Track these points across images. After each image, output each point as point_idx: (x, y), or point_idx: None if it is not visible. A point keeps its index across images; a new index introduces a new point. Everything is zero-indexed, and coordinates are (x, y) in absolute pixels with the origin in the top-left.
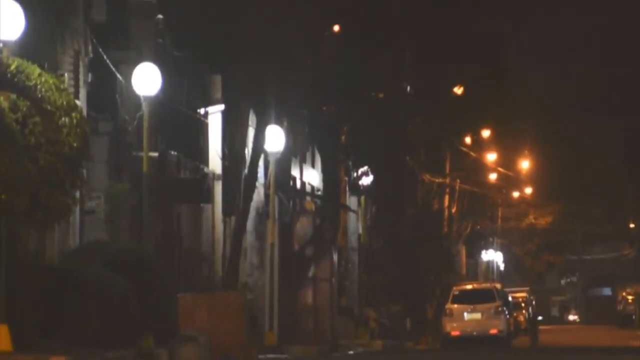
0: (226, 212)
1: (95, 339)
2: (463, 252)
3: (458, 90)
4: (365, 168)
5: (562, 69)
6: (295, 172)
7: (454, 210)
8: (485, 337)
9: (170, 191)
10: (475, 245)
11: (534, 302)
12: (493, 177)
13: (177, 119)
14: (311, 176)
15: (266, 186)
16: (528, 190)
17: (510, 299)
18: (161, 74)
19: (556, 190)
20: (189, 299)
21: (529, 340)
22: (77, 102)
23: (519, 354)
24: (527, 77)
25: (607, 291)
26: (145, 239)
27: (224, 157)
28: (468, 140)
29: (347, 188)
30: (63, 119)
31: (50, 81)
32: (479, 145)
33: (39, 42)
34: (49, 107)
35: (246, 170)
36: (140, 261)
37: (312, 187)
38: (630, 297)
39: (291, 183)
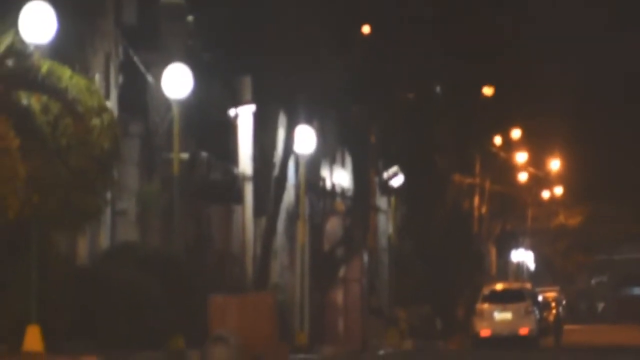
0: (257, 213)
1: (126, 340)
2: (493, 252)
3: (488, 90)
4: (396, 168)
5: (592, 67)
6: (325, 172)
7: (484, 210)
8: (515, 337)
9: (201, 192)
10: (506, 245)
11: (564, 302)
12: (523, 177)
13: (207, 120)
14: (341, 177)
15: (296, 187)
16: (558, 190)
17: (540, 298)
18: (191, 75)
19: (586, 190)
20: (220, 300)
21: (553, 340)
22: (108, 103)
23: (548, 354)
24: (557, 75)
25: (637, 291)
26: (175, 240)
27: (255, 159)
28: (498, 140)
29: (378, 188)
30: (94, 120)
31: (81, 83)
32: (509, 145)
33: (69, 45)
34: (80, 109)
35: (276, 172)
36: (171, 262)
37: (342, 188)
38: None
39: (321, 184)
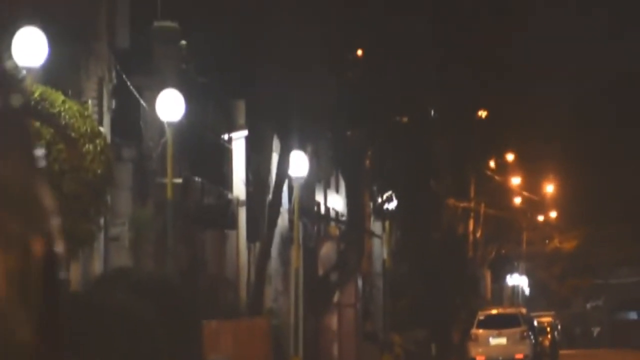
0: (250, 238)
1: None
2: (488, 276)
3: (482, 113)
4: (390, 193)
5: (586, 89)
6: (319, 197)
7: (478, 234)
8: None
9: (195, 217)
10: (501, 269)
11: (559, 327)
12: (518, 200)
13: (200, 145)
14: (335, 201)
15: (290, 211)
16: (553, 214)
17: (535, 323)
18: (185, 99)
19: (581, 214)
20: (214, 326)
21: None
22: (101, 128)
23: None
24: (551, 99)
25: (633, 315)
26: (169, 265)
27: (248, 183)
28: (492, 164)
29: (372, 213)
30: (87, 145)
31: (74, 108)
32: (504, 169)
33: (62, 69)
34: (72, 134)
35: (270, 196)
36: (165, 288)
37: (337, 212)
38: None
39: (315, 208)
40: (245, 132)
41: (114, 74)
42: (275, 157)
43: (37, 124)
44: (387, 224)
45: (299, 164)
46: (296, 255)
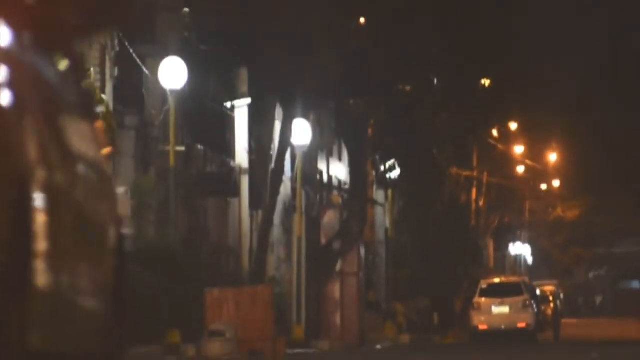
0: (253, 206)
1: None
2: (491, 245)
3: (485, 83)
4: (393, 161)
5: (589, 60)
6: (322, 165)
7: (481, 203)
8: (513, 330)
9: (197, 185)
10: (503, 238)
11: (562, 296)
12: (521, 169)
13: (203, 113)
14: (338, 170)
15: (293, 180)
16: (556, 183)
17: (538, 292)
18: (187, 67)
19: (584, 183)
20: (216, 294)
21: (552, 334)
22: (104, 96)
23: (548, 348)
24: (554, 69)
25: (635, 284)
26: (172, 233)
27: (251, 151)
28: (495, 132)
29: (375, 181)
30: None
31: None
32: (507, 138)
33: None
34: None
35: (273, 164)
36: (167, 256)
37: (339, 181)
38: None
39: (318, 177)
40: (247, 100)
41: (116, 42)
42: (277, 125)
43: None
44: (389, 192)
45: (302, 132)
46: (299, 224)
